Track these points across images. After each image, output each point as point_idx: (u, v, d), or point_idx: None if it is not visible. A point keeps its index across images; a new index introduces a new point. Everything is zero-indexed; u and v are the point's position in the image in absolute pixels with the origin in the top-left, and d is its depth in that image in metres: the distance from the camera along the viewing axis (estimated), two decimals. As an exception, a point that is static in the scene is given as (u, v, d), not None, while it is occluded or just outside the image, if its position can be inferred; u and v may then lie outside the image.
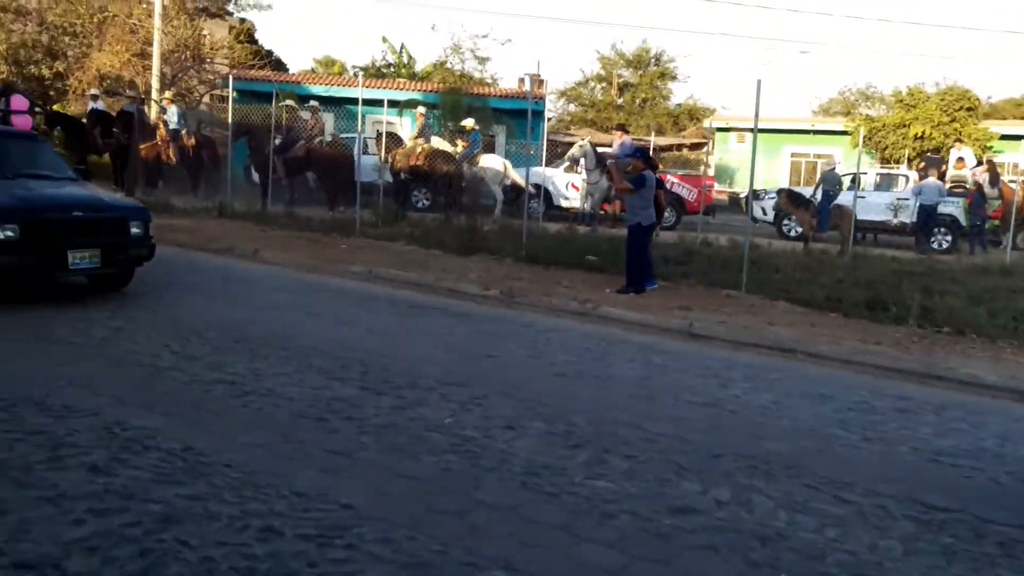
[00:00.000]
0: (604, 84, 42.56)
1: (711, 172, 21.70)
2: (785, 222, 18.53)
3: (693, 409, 5.77)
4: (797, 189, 18.77)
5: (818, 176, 20.00)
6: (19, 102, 10.42)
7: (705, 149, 29.97)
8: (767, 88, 10.51)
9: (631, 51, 41.37)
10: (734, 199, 25.82)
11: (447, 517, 3.80)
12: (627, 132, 17.66)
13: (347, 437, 4.72)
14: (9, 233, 7.01)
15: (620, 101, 41.82)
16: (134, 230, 7.92)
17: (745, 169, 28.70)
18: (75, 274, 7.73)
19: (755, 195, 16.79)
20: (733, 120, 31.07)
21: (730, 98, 79.95)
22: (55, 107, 22.94)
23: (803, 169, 29.90)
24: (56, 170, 8.71)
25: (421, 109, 17.93)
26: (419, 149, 16.55)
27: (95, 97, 18.42)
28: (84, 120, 17.70)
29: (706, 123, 33.14)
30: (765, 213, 19.09)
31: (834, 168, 17.68)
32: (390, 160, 16.76)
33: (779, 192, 17.92)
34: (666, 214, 15.49)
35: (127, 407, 4.93)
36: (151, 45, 22.34)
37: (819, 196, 16.26)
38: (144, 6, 24.14)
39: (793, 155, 30.12)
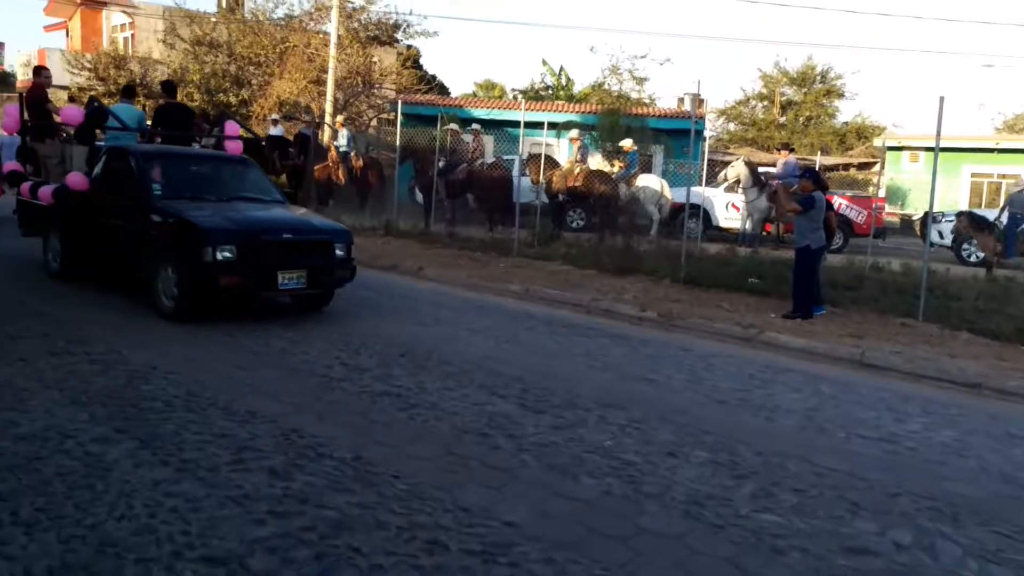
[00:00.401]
0: (766, 102, 41.36)
1: (881, 193, 20.53)
2: (965, 246, 17.30)
3: (867, 444, 5.46)
4: (979, 211, 17.48)
5: (1003, 198, 18.55)
6: (232, 128, 10.86)
7: (875, 169, 28.47)
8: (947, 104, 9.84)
9: (795, 68, 40.02)
10: (906, 221, 24.36)
11: (609, 541, 3.76)
12: (792, 151, 17.05)
13: (508, 454, 4.77)
14: (227, 254, 7.33)
15: (783, 120, 40.48)
16: (338, 252, 8.13)
17: (918, 190, 27.07)
18: (282, 294, 8.02)
19: (932, 217, 15.77)
20: (906, 138, 29.38)
21: (903, 115, 75.86)
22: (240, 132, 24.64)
23: (985, 190, 27.83)
24: (266, 193, 9.08)
25: (574, 133, 18.02)
26: (577, 170, 16.62)
27: (275, 122, 19.66)
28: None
29: (877, 141, 31.51)
30: (942, 237, 17.90)
31: (1023, 189, 16.35)
32: (545, 181, 16.91)
33: (959, 215, 16.73)
34: (836, 237, 14.82)
35: (303, 415, 5.19)
36: (326, 72, 23.61)
37: (1004, 219, 15.08)
38: (321, 36, 25.57)
39: (974, 175, 28.09)
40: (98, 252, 8.73)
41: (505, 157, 18.64)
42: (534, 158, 16.85)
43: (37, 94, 10.45)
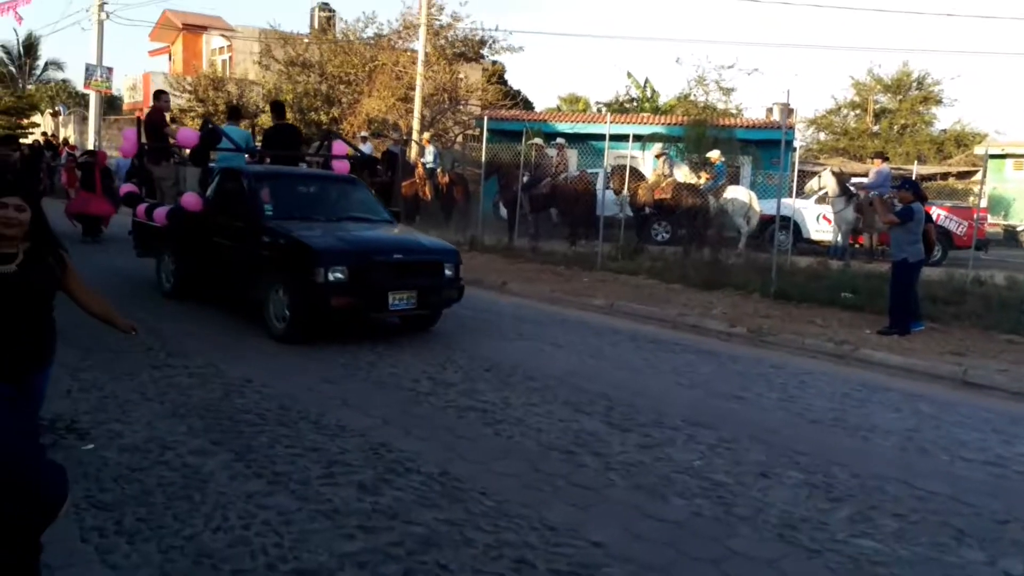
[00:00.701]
0: (858, 111, 40.16)
1: (983, 203, 19.58)
2: (1078, 259, 16.39)
3: (972, 467, 5.20)
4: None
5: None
6: (339, 147, 10.90)
7: (976, 178, 27.28)
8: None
9: (890, 75, 38.75)
10: (1010, 232, 23.24)
11: (699, 564, 3.68)
12: (886, 160, 16.48)
13: (595, 472, 4.72)
14: (339, 275, 7.30)
15: (876, 128, 39.23)
16: (447, 272, 8.09)
17: (1023, 199, 25.81)
18: (393, 315, 8.00)
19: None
20: (1009, 145, 28.09)
21: (1006, 121, 72.55)
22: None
23: (1098, 198, 26.37)
24: (374, 212, 9.09)
25: (658, 148, 17.83)
26: (663, 183, 16.44)
27: (364, 139, 20.10)
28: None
29: (978, 149, 30.21)
30: (1051, 248, 17.01)
31: None
32: (631, 194, 16.76)
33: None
34: (934, 250, 14.21)
35: (391, 428, 5.26)
36: (414, 90, 24.03)
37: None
38: (409, 54, 26.05)
39: (1086, 183, 26.67)
40: (210, 272, 8.87)
41: (588, 170, 18.58)
42: (618, 170, 16.74)
43: (156, 117, 10.62)
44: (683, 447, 5.25)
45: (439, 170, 19.70)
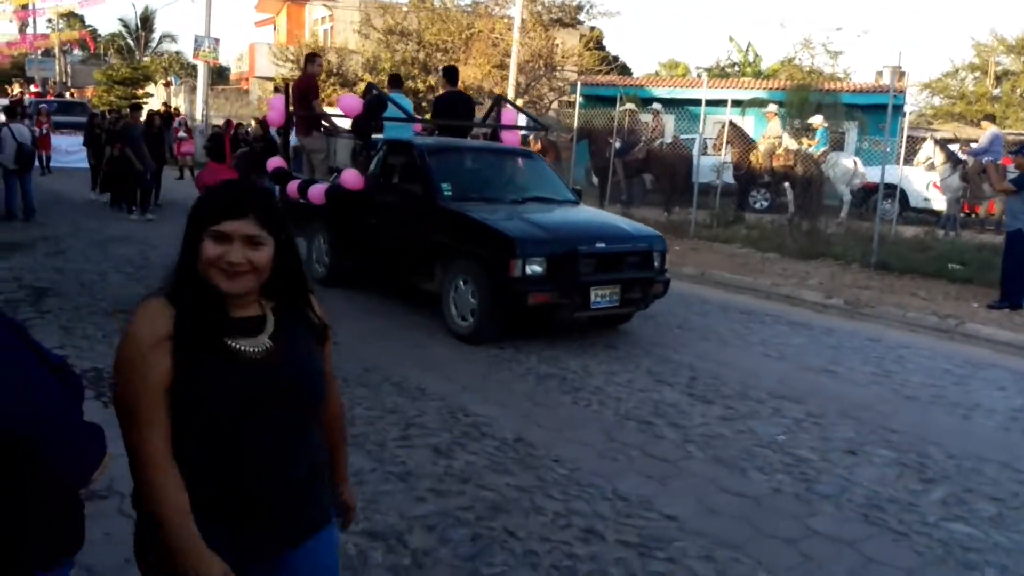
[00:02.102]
0: (978, 73, 37.85)
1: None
2: None
3: (1084, 452, 4.86)
4: None
5: None
6: (508, 115, 9.45)
7: (1109, 143, 25.38)
8: None
9: (1014, 35, 36.30)
10: None
11: (776, 543, 3.55)
12: (994, 122, 15.47)
13: (672, 444, 4.63)
14: (536, 268, 6.31)
15: (997, 91, 36.92)
16: (655, 263, 6.96)
17: None
18: (595, 313, 6.75)
19: None
20: None
21: None
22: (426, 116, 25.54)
23: None
24: (557, 191, 7.99)
25: (773, 108, 17.17)
26: (779, 149, 15.84)
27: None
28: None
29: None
30: None
31: None
32: (744, 160, 16.19)
33: None
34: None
35: (470, 393, 5.28)
36: (509, 56, 23.91)
37: None
38: (505, 21, 25.92)
39: None
40: (372, 259, 8.01)
41: (683, 136, 18.13)
42: (736, 130, 16.12)
43: (307, 84, 9.39)
44: (767, 421, 5.09)
45: (531, 137, 19.61)
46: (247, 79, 36.62)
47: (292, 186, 8.57)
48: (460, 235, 6.80)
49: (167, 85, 35.77)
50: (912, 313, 8.31)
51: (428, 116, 11.32)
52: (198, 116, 26.18)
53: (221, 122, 23.79)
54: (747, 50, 33.37)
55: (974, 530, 3.77)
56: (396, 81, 10.88)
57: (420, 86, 26.62)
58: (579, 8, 27.77)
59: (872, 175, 15.39)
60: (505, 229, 6.49)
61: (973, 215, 15.82)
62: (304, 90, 9.26)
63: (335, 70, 28.25)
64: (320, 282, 8.26)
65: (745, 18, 71.35)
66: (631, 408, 5.17)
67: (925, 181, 16.76)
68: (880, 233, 11.11)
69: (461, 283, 6.65)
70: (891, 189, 14.92)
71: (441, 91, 9.70)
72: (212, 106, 29.35)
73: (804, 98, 19.02)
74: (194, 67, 30.04)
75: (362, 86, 27.17)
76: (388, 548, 3.30)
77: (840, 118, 18.40)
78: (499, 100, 9.61)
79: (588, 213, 7.82)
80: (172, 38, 45.10)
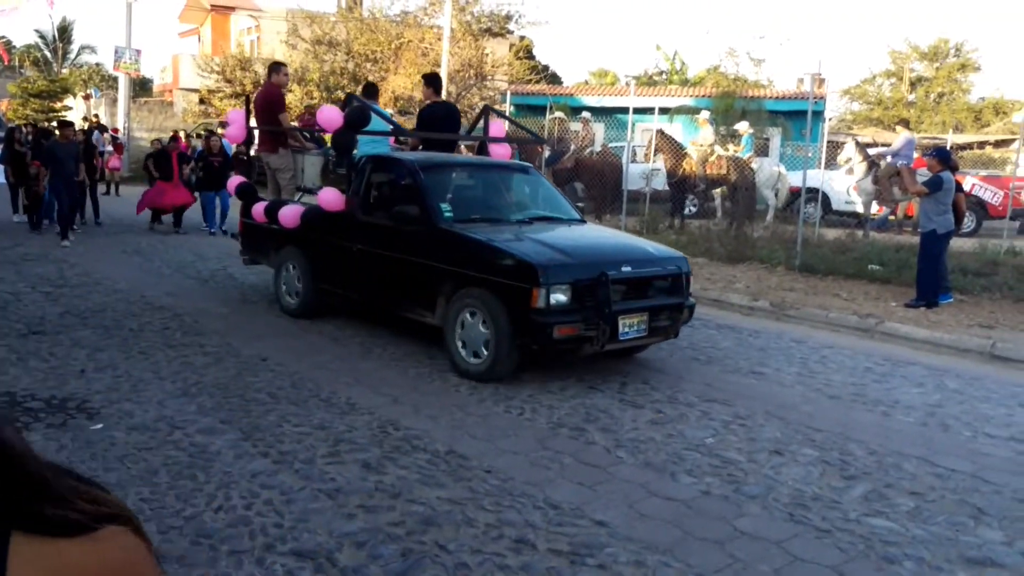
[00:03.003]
0: (893, 80, 39.30)
1: (1020, 172, 19.04)
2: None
3: (995, 444, 5.06)
4: None
5: None
6: (497, 127, 8.67)
7: (1013, 146, 26.57)
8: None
9: (927, 43, 37.83)
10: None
11: (705, 545, 3.61)
12: (907, 127, 16.07)
13: (603, 450, 4.67)
14: (560, 297, 5.65)
15: (912, 97, 38.38)
16: (682, 287, 6.42)
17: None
18: (622, 345, 6.12)
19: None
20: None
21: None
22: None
23: None
24: (560, 209, 7.41)
25: (705, 115, 17.48)
26: (713, 156, 16.11)
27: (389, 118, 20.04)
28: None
29: (1016, 117, 29.41)
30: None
31: None
32: (677, 167, 16.41)
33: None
34: (966, 220, 13.87)
35: (401, 406, 5.24)
36: (440, 66, 23.90)
37: None
38: (434, 31, 25.90)
39: None
40: (357, 288, 7.19)
41: (612, 144, 18.35)
42: (666, 138, 16.30)
43: (272, 96, 8.51)
44: (696, 424, 5.17)
45: (461, 145, 19.60)
46: (171, 91, 35.85)
47: (259, 208, 7.82)
48: (468, 261, 6.08)
49: (87, 98, 34.75)
50: (834, 313, 8.55)
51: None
52: (120, 128, 25.45)
53: (150, 136, 23.18)
54: (674, 58, 34.05)
55: (894, 524, 3.88)
56: (371, 91, 10.00)
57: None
58: (508, 18, 27.97)
59: (795, 180, 15.82)
60: (524, 254, 5.79)
61: (905, 217, 16.34)
62: (269, 103, 8.47)
63: (262, 81, 27.85)
64: (291, 314, 7.68)
65: (672, 27, 72.72)
66: (564, 415, 5.20)
67: (846, 184, 17.29)
68: (803, 236, 11.41)
69: (469, 316, 5.97)
70: (813, 193, 15.34)
71: (424, 101, 9.05)
72: (134, 119, 28.62)
73: (729, 105, 19.44)
74: (115, 79, 29.24)
75: (291, 97, 26.94)
76: (317, 568, 3.24)
77: (764, 124, 18.88)
78: (487, 110, 8.83)
79: (604, 233, 7.37)
80: (92, 49, 43.97)
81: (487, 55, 27.15)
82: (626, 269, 5.99)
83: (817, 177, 16.33)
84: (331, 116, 7.37)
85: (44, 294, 8.15)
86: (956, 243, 9.87)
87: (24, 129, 18.05)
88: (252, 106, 8.44)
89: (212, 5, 35.95)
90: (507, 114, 9.84)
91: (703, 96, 23.21)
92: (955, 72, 37.60)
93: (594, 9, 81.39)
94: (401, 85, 25.14)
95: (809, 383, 6.22)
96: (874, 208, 15.67)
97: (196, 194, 13.96)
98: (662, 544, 3.59)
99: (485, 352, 5.87)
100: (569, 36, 73.95)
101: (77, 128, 13.94)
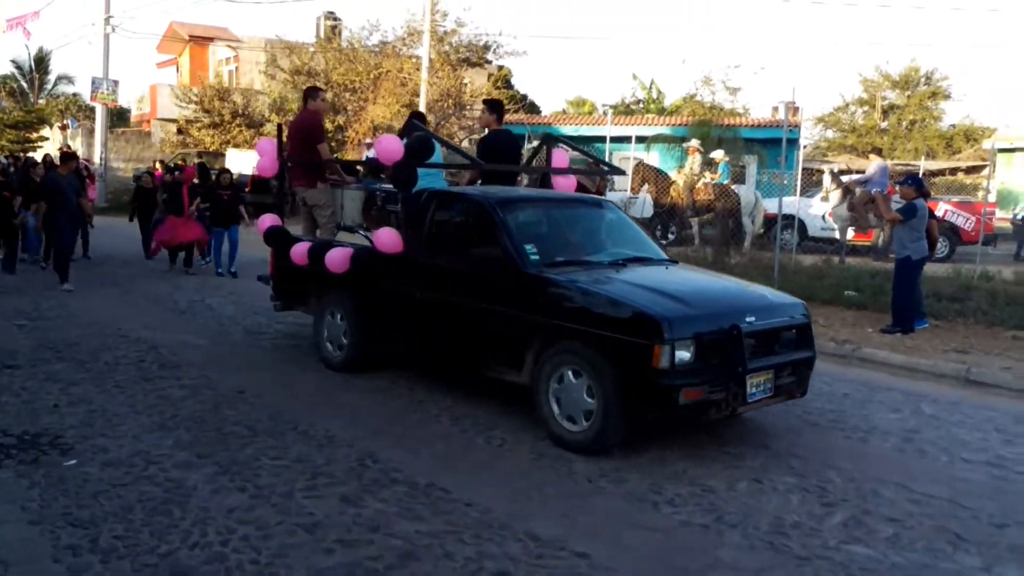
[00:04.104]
0: (866, 107, 39.94)
1: (991, 198, 19.36)
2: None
3: (972, 469, 5.10)
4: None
5: None
6: (560, 157, 7.82)
7: (984, 172, 27.03)
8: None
9: (898, 71, 38.52)
10: (1020, 227, 22.98)
11: (685, 575, 3.60)
12: (880, 155, 16.31)
13: (585, 479, 4.65)
14: (684, 354, 4.84)
15: (884, 124, 39.00)
16: (807, 338, 5.68)
17: (1036, 194, 25.49)
18: (749, 409, 5.32)
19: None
20: (1020, 139, 27.79)
21: (1015, 115, 71.93)
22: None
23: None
24: (647, 248, 6.58)
25: (695, 143, 17.61)
26: (700, 183, 16.24)
27: (368, 146, 20.07)
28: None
29: (986, 143, 29.96)
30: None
31: None
32: (664, 195, 16.51)
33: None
34: (939, 246, 14.06)
35: (381, 438, 5.20)
36: (418, 96, 24.03)
37: None
38: (413, 61, 26.08)
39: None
40: (417, 339, 6.33)
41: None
42: (651, 168, 16.38)
43: (311, 123, 7.85)
44: (676, 450, 5.16)
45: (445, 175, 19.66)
46: (149, 121, 35.79)
47: (299, 250, 6.97)
48: (565, 312, 5.26)
49: (63, 128, 34.60)
50: (812, 340, 8.59)
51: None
52: (96, 160, 25.33)
53: (128, 166, 22.92)
54: (651, 87, 34.44)
55: (872, 551, 3.89)
56: (420, 119, 8.43)
57: (328, 126, 26.44)
58: (486, 48, 28.23)
59: (771, 207, 15.98)
60: (641, 304, 5.00)
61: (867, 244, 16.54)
62: (306, 131, 7.75)
63: (240, 111, 27.90)
64: (334, 367, 6.86)
65: (648, 56, 73.61)
66: (545, 446, 5.18)
67: (822, 211, 17.50)
68: (780, 262, 11.51)
69: (570, 375, 5.17)
70: (790, 220, 15.49)
71: (485, 129, 8.23)
72: (112, 149, 28.51)
73: (706, 133, 19.65)
74: (92, 109, 29.15)
75: (269, 127, 26.97)
76: (294, 605, 3.20)
77: (740, 152, 19.09)
78: (549, 138, 8.03)
79: (712, 278, 6.52)
80: (69, 80, 43.64)
81: (466, 85, 27.35)
82: (750, 319, 5.18)
83: (793, 204, 16.52)
84: (391, 147, 6.35)
85: (18, 327, 8.06)
86: (930, 268, 9.98)
87: (5, 160, 17.67)
88: (285, 135, 7.66)
89: (191, 35, 36.03)
90: (567, 142, 9.22)
91: (680, 124, 23.48)
92: (926, 100, 38.24)
93: (571, 39, 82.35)
94: (380, 115, 25.23)
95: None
96: (850, 234, 15.86)
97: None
98: (642, 575, 3.57)
99: (586, 419, 5.08)
100: (547, 66, 74.72)
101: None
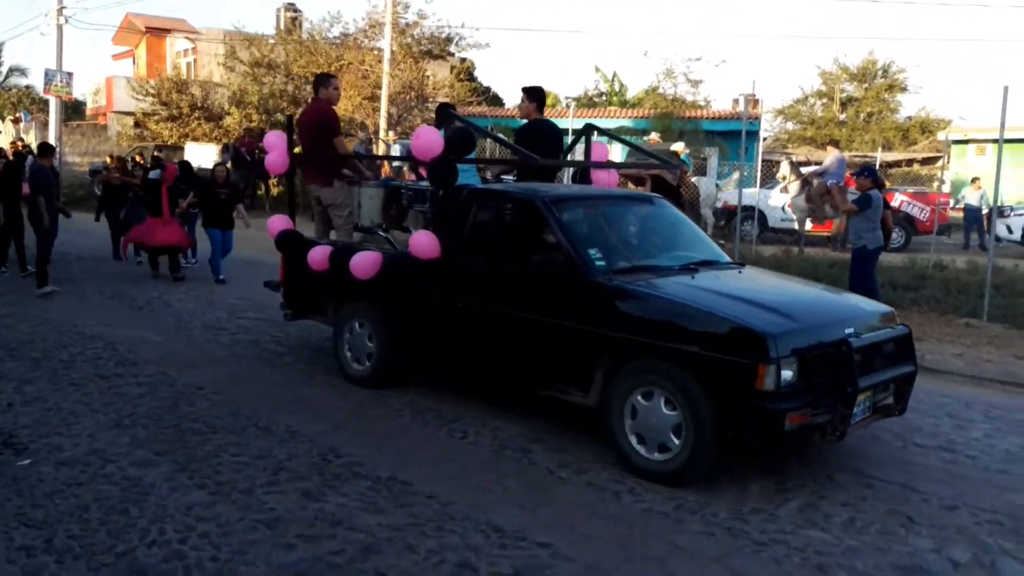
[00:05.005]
0: (825, 100, 40.48)
1: (946, 188, 19.76)
2: (1038, 241, 16.62)
3: (923, 453, 5.22)
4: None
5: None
6: (600, 151, 7.22)
7: (939, 164, 27.56)
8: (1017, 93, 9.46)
9: (856, 64, 39.08)
10: (966, 214, 23.51)
11: (645, 564, 3.64)
12: (837, 147, 16.58)
13: (546, 471, 4.68)
14: (789, 374, 4.28)
15: (843, 117, 39.56)
16: (910, 352, 5.16)
17: (987, 185, 26.06)
18: (852, 430, 4.67)
19: (999, 212, 15.16)
20: (973, 131, 28.35)
21: (969, 108, 73.50)
22: (296, 150, 25.11)
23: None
24: (710, 250, 5.96)
25: (655, 135, 17.71)
26: (668, 176, 16.32)
27: (369, 141, 19.86)
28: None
29: (941, 135, 30.54)
30: (1011, 232, 17.19)
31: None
32: (625, 187, 16.57)
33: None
34: (893, 236, 14.33)
35: (342, 432, 5.18)
36: (380, 88, 23.86)
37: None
38: (375, 53, 25.87)
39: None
40: (459, 353, 5.82)
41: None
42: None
43: (325, 114, 7.18)
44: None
45: (405, 167, 19.60)
46: (104, 114, 35.12)
47: (317, 254, 6.35)
48: (645, 326, 4.67)
49: (16, 121, 33.85)
50: (771, 329, 8.71)
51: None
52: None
53: (84, 160, 22.39)
54: (613, 80, 34.57)
55: (828, 536, 3.97)
56: (445, 112, 7.69)
57: (290, 118, 26.19)
58: (448, 40, 28.06)
59: (731, 198, 16.17)
60: (743, 318, 4.42)
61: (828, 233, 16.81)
62: (320, 124, 7.11)
63: (199, 104, 27.49)
64: (359, 382, 6.26)
65: (610, 48, 73.92)
66: (508, 437, 5.20)
67: (781, 203, 17.73)
68: (741, 253, 11.65)
69: (646, 397, 4.62)
70: (750, 211, 15.67)
71: (523, 119, 7.43)
72: (67, 143, 27.95)
73: (667, 126, 19.84)
74: (46, 102, 28.54)
75: (229, 120, 26.63)
76: (254, 601, 3.19)
77: (701, 144, 19.29)
78: (589, 129, 7.17)
79: (794, 283, 6.03)
80: (22, 72, 42.82)
81: (428, 77, 27.21)
82: (849, 331, 4.63)
83: (753, 195, 16.73)
84: (431, 140, 5.70)
85: (-30, 325, 7.89)
86: (886, 258, 10.17)
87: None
88: (296, 128, 7.09)
89: (147, 27, 35.40)
90: (611, 133, 8.54)
91: (642, 117, 23.66)
92: (883, 92, 38.84)
93: (534, 32, 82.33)
94: (342, 107, 25.02)
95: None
96: (808, 225, 16.09)
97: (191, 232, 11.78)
98: (605, 564, 3.61)
99: (673, 444, 4.50)
100: (510, 58, 74.66)
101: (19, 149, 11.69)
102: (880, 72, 38.91)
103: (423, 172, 6.33)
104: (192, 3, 63.86)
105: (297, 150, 7.15)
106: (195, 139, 26.04)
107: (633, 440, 4.68)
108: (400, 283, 6.02)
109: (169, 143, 25.86)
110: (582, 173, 7.16)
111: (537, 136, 6.95)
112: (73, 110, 37.49)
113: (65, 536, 3.63)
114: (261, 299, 9.48)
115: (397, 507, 4.10)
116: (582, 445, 5.07)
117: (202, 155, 21.82)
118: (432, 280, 5.81)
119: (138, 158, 18.22)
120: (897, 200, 16.76)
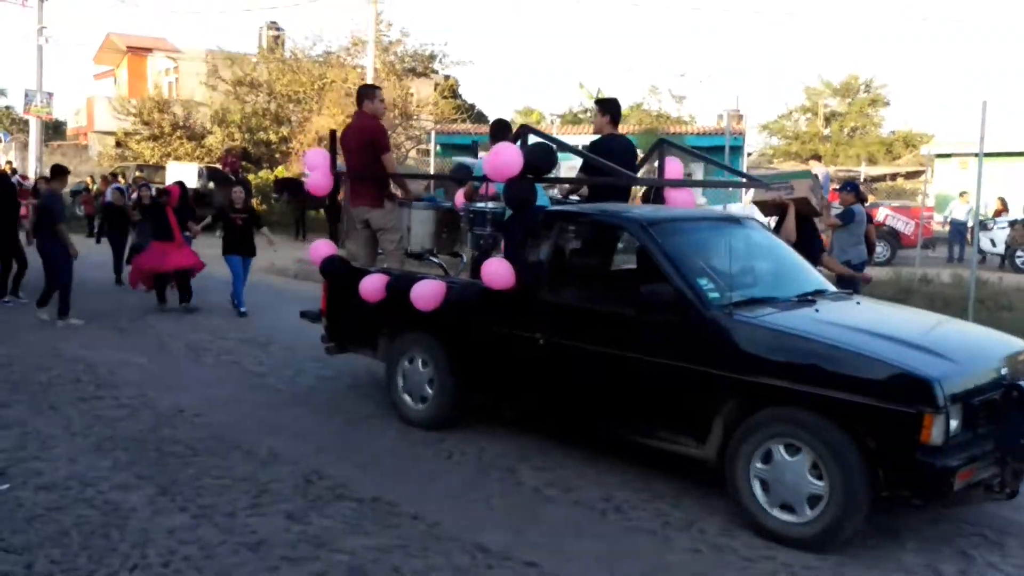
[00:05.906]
0: (809, 115, 40.91)
1: (930, 202, 19.92)
2: (1018, 254, 16.76)
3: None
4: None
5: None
6: (674, 166, 6.55)
7: (923, 178, 27.81)
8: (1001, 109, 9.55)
9: (839, 79, 39.56)
10: (952, 229, 23.70)
11: (633, 582, 3.62)
12: (820, 161, 16.72)
13: (532, 490, 4.64)
14: (955, 423, 3.79)
15: (827, 131, 39.97)
16: None
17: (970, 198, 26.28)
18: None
19: (983, 225, 15.31)
20: (956, 145, 28.64)
21: (951, 122, 74.31)
22: (278, 170, 25.08)
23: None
24: (808, 275, 5.38)
25: (814, 164, 17.74)
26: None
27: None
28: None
29: (923, 150, 30.85)
30: (995, 245, 17.36)
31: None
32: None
33: (1013, 223, 16.25)
34: (878, 249, 14.41)
35: (326, 454, 5.13)
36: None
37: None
38: (358, 71, 25.92)
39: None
40: (542, 395, 5.24)
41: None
42: None
43: (372, 130, 6.55)
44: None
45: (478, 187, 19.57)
46: (86, 134, 34.99)
47: (372, 283, 5.81)
48: (778, 369, 4.11)
49: (-4, 142, 33.68)
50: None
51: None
52: (31, 174, 24.67)
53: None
54: (597, 96, 34.76)
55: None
56: (503, 128, 7.01)
57: (272, 137, 26.18)
58: (432, 57, 28.20)
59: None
60: (902, 361, 3.89)
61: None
62: (367, 140, 6.48)
63: (181, 123, 27.45)
64: (417, 424, 5.71)
65: (594, 65, 74.43)
66: (494, 456, 5.16)
67: (767, 218, 17.78)
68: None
69: (784, 451, 4.02)
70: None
71: (596, 134, 6.88)
72: (47, 163, 27.77)
73: (649, 142, 19.89)
74: (26, 122, 28.40)
75: (211, 139, 26.57)
76: (237, 627, 3.13)
77: (686, 160, 19.34)
78: (661, 143, 6.55)
79: (919, 314, 5.58)
80: (1, 92, 42.61)
81: (412, 95, 27.28)
82: (1004, 372, 4.14)
83: (738, 211, 16.73)
84: (510, 158, 5.15)
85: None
86: (871, 272, 10.19)
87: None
88: (340, 145, 6.62)
89: (129, 46, 35.38)
90: (683, 146, 7.81)
91: (627, 133, 23.70)
92: (866, 107, 39.33)
93: (518, 49, 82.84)
94: (325, 125, 25.01)
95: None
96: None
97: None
98: (591, 583, 3.58)
99: (809, 508, 3.94)
100: (494, 75, 75.00)
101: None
102: (863, 87, 39.40)
103: (483, 192, 5.92)
104: (174, 23, 63.83)
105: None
106: (177, 158, 25.95)
107: (762, 499, 4.09)
108: (468, 315, 5.46)
109: (151, 163, 25.77)
110: (655, 192, 6.47)
111: (610, 153, 6.20)
112: (54, 130, 37.35)
113: (46, 561, 3.57)
114: (242, 321, 9.47)
115: (382, 528, 4.05)
116: (568, 464, 5.05)
117: (184, 175, 21.75)
118: (508, 313, 5.23)
119: (123, 179, 18.08)
120: (882, 214, 16.90)
